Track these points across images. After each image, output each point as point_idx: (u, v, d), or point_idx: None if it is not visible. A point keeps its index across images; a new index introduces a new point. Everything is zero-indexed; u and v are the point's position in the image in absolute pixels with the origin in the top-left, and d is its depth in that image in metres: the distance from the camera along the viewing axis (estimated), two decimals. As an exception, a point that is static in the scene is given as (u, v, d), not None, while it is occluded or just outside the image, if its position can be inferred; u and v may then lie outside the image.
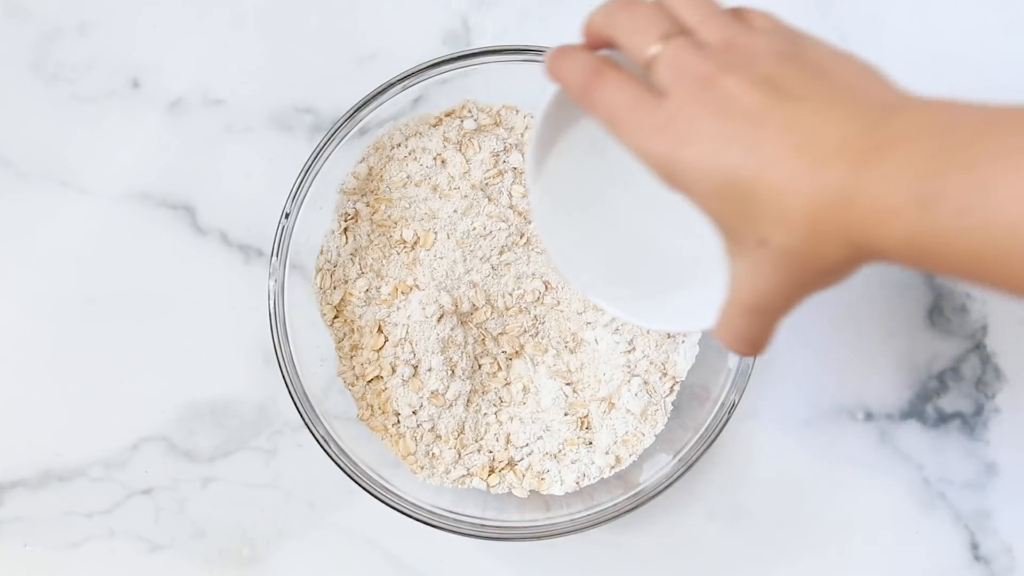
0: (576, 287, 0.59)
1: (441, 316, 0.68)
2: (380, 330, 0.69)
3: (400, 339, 0.69)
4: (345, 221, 0.69)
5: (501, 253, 0.69)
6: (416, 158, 0.70)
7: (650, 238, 0.55)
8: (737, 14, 0.49)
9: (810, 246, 0.43)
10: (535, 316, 0.70)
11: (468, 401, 0.69)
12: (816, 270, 0.44)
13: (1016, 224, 0.38)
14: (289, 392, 0.65)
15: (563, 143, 0.56)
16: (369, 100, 0.66)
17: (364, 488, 0.65)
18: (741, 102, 0.44)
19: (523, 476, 0.68)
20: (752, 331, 0.48)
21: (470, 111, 0.70)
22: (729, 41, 0.46)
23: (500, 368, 0.70)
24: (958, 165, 0.39)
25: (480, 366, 0.69)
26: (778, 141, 0.43)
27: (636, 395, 0.68)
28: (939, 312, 0.72)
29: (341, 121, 0.66)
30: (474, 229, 0.69)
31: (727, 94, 0.44)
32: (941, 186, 0.39)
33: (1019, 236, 0.38)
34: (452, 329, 0.68)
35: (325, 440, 0.65)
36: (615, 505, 0.65)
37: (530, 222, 0.69)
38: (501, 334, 0.70)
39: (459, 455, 0.69)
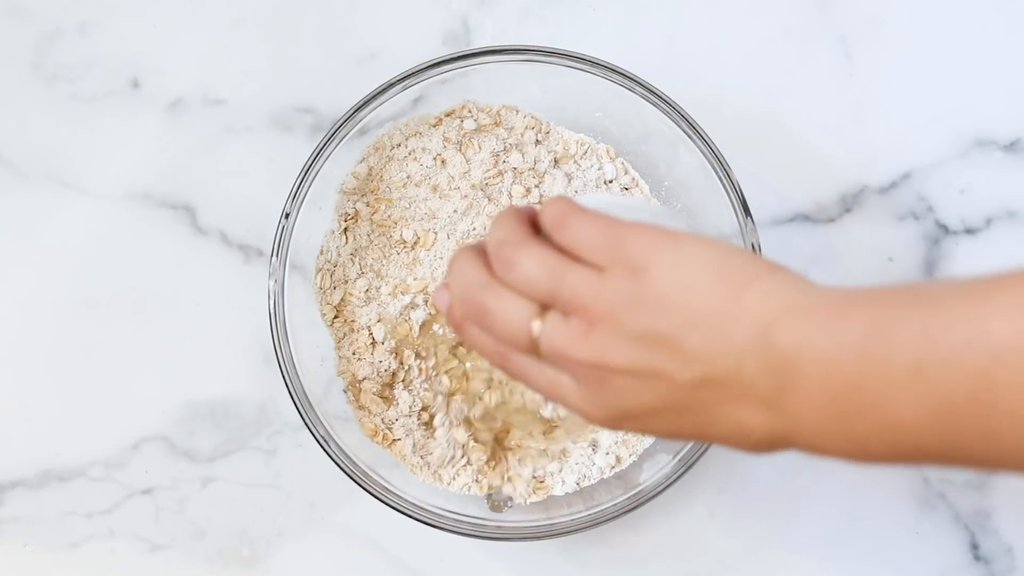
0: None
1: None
2: (380, 330, 0.69)
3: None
4: (345, 221, 0.69)
5: (501, 253, 0.69)
6: (416, 158, 0.70)
7: None
8: (560, 226, 0.47)
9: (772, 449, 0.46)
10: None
11: (468, 401, 0.69)
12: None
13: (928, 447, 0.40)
14: (289, 392, 0.65)
15: None
16: (369, 100, 0.66)
17: (364, 488, 0.65)
18: (641, 383, 0.45)
19: (524, 476, 0.68)
20: None
21: (470, 111, 0.70)
22: (588, 312, 0.45)
23: (500, 368, 0.70)
24: (856, 409, 0.41)
25: (480, 366, 0.69)
26: (698, 405, 0.44)
27: (636, 395, 0.68)
28: (939, 312, 0.72)
29: (341, 121, 0.66)
30: (474, 229, 0.69)
31: (622, 380, 0.45)
32: (860, 428, 0.41)
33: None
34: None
35: (325, 440, 0.65)
36: (615, 505, 0.65)
37: None
38: (501, 334, 0.70)
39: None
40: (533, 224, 0.49)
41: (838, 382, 0.41)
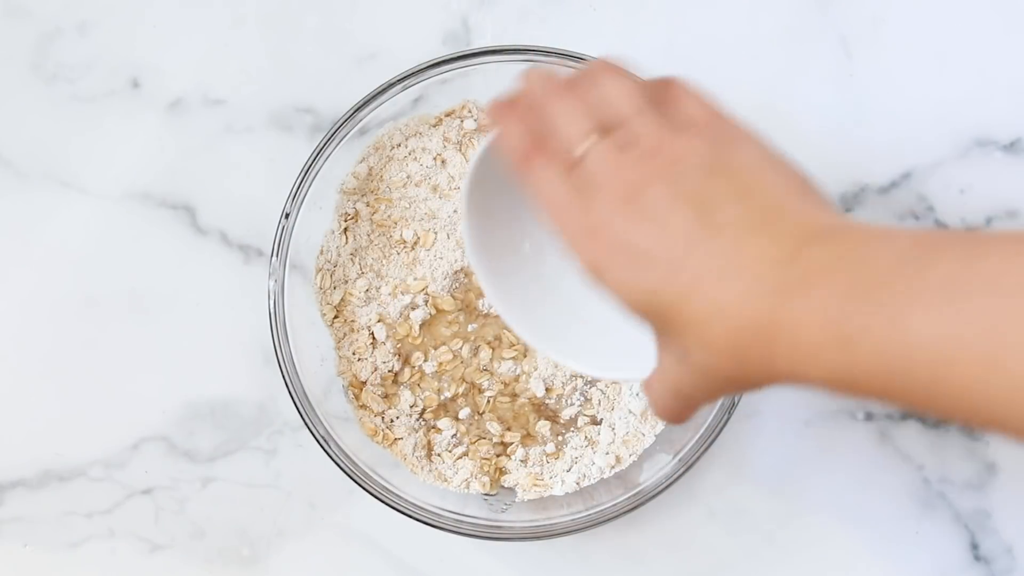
0: (521, 336, 0.60)
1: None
2: (380, 330, 0.69)
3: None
4: (345, 221, 0.69)
5: (501, 253, 0.69)
6: (416, 158, 0.70)
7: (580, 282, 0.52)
8: (666, 93, 0.48)
9: (732, 368, 0.44)
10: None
11: (468, 401, 0.69)
12: (737, 385, 0.45)
13: (932, 361, 0.39)
14: (289, 392, 0.65)
15: (497, 185, 0.56)
16: (369, 100, 0.66)
17: (364, 488, 0.65)
18: (666, 221, 0.44)
19: (524, 476, 0.68)
20: (676, 409, 0.49)
21: (470, 111, 0.70)
22: (658, 145, 0.45)
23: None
24: (873, 304, 0.40)
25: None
26: (702, 268, 0.43)
27: (636, 395, 0.68)
28: (939, 312, 0.72)
29: (341, 121, 0.66)
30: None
31: (652, 210, 0.44)
32: (858, 326, 0.40)
33: (938, 373, 0.39)
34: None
35: (325, 440, 0.65)
36: (615, 505, 0.65)
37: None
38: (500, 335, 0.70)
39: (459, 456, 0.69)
40: None
41: (857, 282, 0.41)
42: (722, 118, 0.47)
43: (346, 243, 0.69)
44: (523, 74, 0.50)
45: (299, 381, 0.65)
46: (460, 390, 0.69)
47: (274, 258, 0.66)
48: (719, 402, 0.65)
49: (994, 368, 0.38)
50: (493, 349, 0.69)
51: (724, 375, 0.45)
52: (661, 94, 0.48)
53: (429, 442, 0.69)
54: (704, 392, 0.47)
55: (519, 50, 0.66)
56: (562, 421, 0.69)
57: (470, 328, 0.69)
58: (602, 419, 0.69)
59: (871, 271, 0.41)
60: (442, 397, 0.69)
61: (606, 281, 0.45)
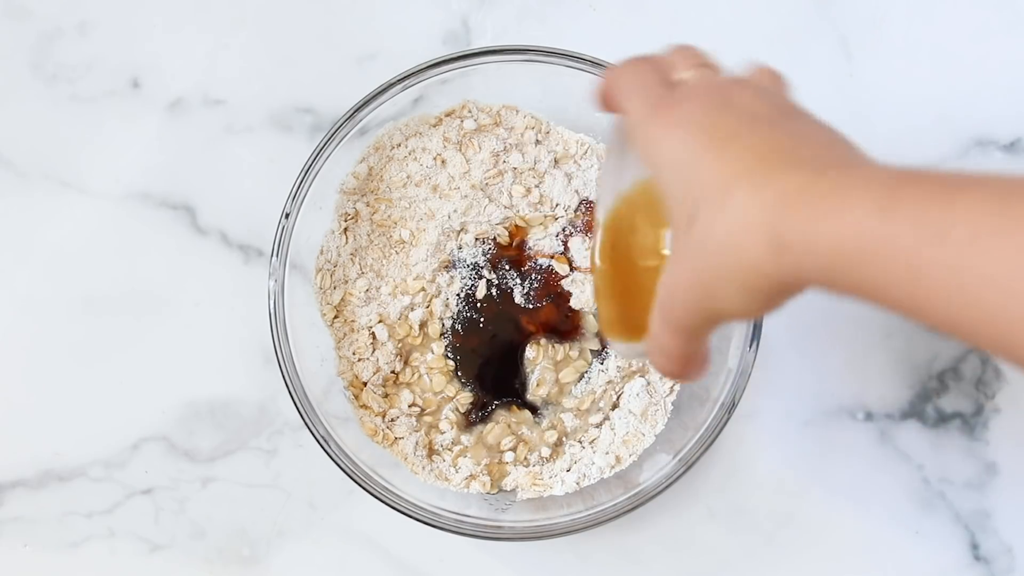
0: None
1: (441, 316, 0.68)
2: (380, 330, 0.69)
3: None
4: (345, 221, 0.69)
5: (501, 253, 0.69)
6: (416, 158, 0.70)
7: None
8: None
9: (731, 235, 0.42)
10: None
11: (468, 401, 0.69)
12: (724, 267, 0.43)
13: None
14: (289, 392, 0.65)
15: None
16: (369, 100, 0.66)
17: (364, 488, 0.65)
18: (744, 112, 0.46)
19: (523, 476, 0.68)
20: (669, 345, 0.47)
21: (470, 111, 0.70)
22: (741, 79, 0.50)
23: (500, 368, 0.70)
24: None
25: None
26: (763, 148, 0.44)
27: (637, 395, 0.68)
28: (939, 312, 0.72)
29: (341, 121, 0.66)
30: (476, 226, 0.69)
31: (736, 104, 0.47)
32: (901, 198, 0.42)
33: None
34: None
35: (325, 440, 0.65)
36: (615, 505, 0.65)
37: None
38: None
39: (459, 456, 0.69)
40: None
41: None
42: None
43: (346, 243, 0.69)
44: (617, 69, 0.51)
45: (299, 381, 0.65)
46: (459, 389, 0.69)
47: (274, 258, 0.66)
48: (719, 401, 0.65)
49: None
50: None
51: (715, 248, 0.42)
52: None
53: (430, 442, 0.69)
54: (687, 287, 0.44)
55: (519, 50, 0.66)
56: (562, 420, 0.69)
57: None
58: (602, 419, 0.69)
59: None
60: (440, 397, 0.69)
61: (662, 147, 0.45)
